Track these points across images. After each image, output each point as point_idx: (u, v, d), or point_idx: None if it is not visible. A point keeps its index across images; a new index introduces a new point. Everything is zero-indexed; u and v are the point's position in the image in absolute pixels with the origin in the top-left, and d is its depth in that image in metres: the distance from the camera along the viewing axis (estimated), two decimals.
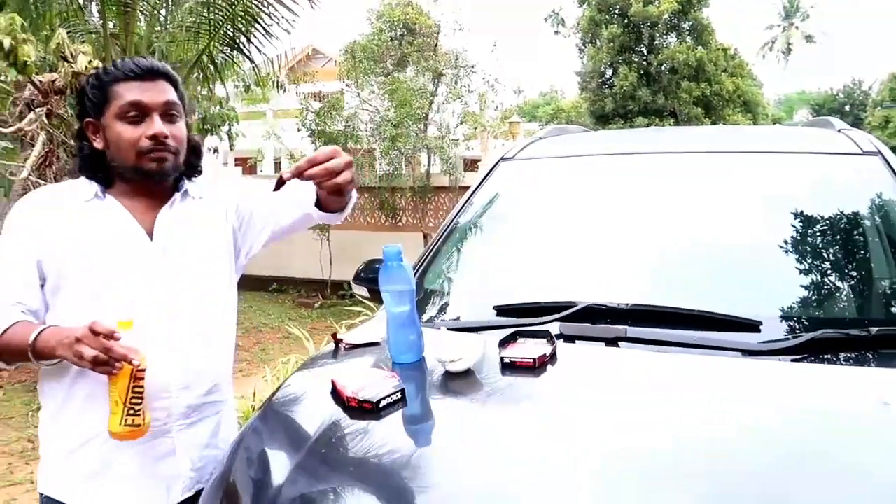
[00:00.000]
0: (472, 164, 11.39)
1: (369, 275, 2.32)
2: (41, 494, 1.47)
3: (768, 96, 26.26)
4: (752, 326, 1.52)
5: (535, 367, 1.43)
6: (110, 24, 6.57)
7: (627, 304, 1.63)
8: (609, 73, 18.77)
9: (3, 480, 3.62)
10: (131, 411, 1.26)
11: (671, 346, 1.50)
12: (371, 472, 1.22)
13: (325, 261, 8.47)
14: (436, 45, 8.36)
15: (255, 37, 7.24)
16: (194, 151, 1.52)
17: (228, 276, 1.57)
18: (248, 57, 7.25)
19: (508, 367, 1.44)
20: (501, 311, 1.76)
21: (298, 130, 8.64)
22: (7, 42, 3.53)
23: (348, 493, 1.18)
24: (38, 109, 3.99)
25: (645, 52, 18.37)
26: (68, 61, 3.89)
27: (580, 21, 19.27)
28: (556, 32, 21.64)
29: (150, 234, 1.44)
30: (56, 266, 1.38)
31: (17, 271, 1.37)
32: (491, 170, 2.42)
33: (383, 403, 1.32)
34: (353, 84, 8.24)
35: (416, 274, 1.97)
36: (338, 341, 1.70)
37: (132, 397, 1.26)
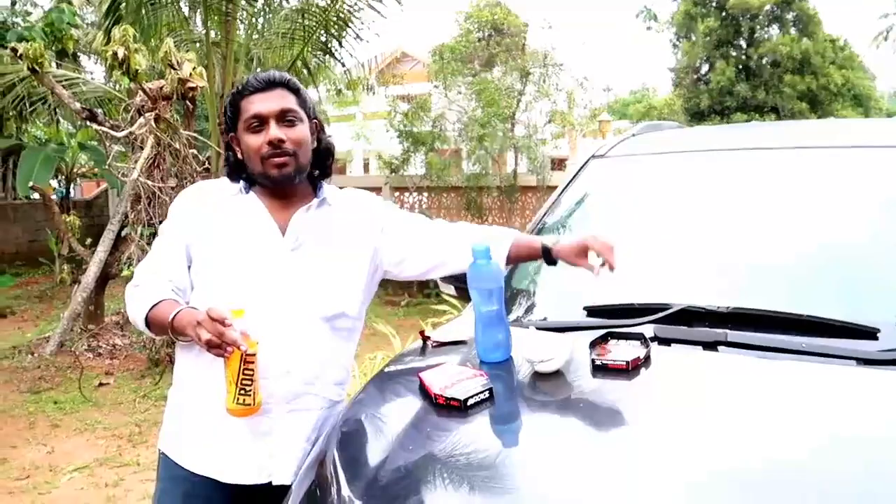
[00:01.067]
0: (559, 164, 11.23)
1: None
2: (160, 453, 1.62)
3: (882, 89, 24.44)
4: (869, 333, 1.40)
5: (629, 370, 1.37)
6: (212, 33, 6.92)
7: (728, 307, 1.54)
8: (705, 68, 18.03)
9: (112, 462, 3.87)
10: (242, 391, 1.37)
11: (776, 352, 1.41)
12: (457, 471, 1.21)
13: None
14: (524, 45, 8.28)
15: (346, 41, 7.45)
16: (326, 152, 1.63)
17: (358, 283, 1.59)
18: (339, 61, 7.46)
19: (600, 370, 1.40)
20: (592, 311, 1.71)
21: (387, 132, 8.79)
22: (121, 52, 3.77)
23: (435, 490, 1.18)
24: (147, 114, 4.24)
25: (744, 45, 17.52)
26: (175, 68, 4.11)
27: (674, 15, 18.61)
28: (649, 28, 20.98)
29: (284, 231, 1.54)
30: (200, 251, 1.53)
31: (170, 253, 1.54)
32: (581, 168, 2.36)
33: (471, 402, 1.31)
34: (442, 85, 8.29)
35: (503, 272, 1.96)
36: (425, 338, 1.70)
37: (243, 379, 1.36)
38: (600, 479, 1.09)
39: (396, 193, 9.18)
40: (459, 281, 2.27)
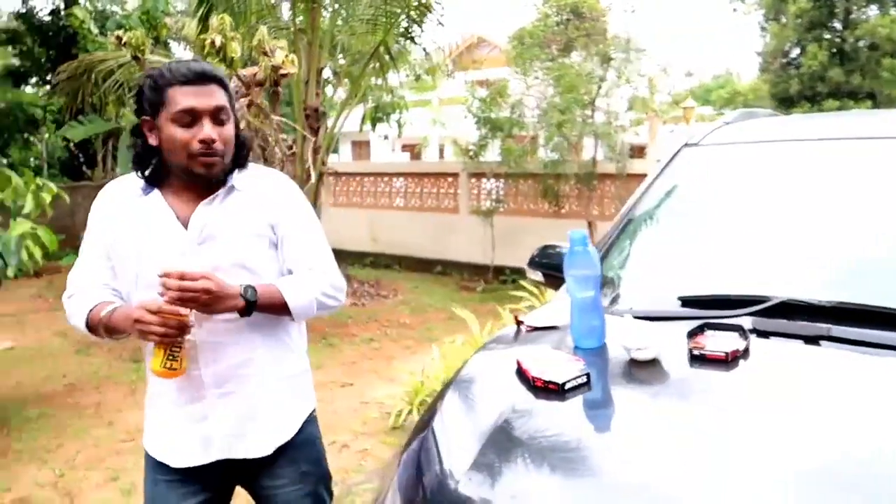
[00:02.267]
0: (638, 151, 10.99)
1: (543, 259, 2.35)
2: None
3: None
4: None
5: (728, 362, 1.38)
6: (298, 21, 7.12)
7: (831, 301, 1.51)
8: (795, 52, 17.13)
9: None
10: (171, 356, 1.48)
11: (882, 349, 1.38)
12: (555, 453, 1.25)
13: (488, 246, 8.61)
14: (605, 29, 8.12)
15: (427, 26, 7.52)
16: (241, 146, 1.61)
17: (265, 262, 1.61)
18: (421, 46, 7.53)
19: (698, 360, 1.41)
20: (687, 301, 1.70)
21: (465, 118, 8.81)
22: (219, 40, 3.95)
23: (532, 471, 1.22)
24: (241, 100, 4.42)
25: (839, 27, 16.55)
26: (268, 56, 4.27)
27: None
28: (735, 10, 20.10)
29: (187, 224, 1.56)
30: (116, 254, 1.60)
31: (94, 259, 1.63)
32: (673, 156, 2.33)
33: (569, 386, 1.34)
34: (521, 71, 8.23)
35: None
36: (519, 323, 1.74)
37: (174, 346, 1.48)
38: (695, 470, 1.11)
39: (473, 180, 9.22)
40: (548, 268, 2.31)
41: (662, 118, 9.78)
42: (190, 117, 1.49)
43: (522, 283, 6.04)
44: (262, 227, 1.60)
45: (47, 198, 4.06)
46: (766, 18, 17.81)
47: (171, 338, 1.45)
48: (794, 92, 16.26)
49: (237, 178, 1.60)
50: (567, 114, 7.45)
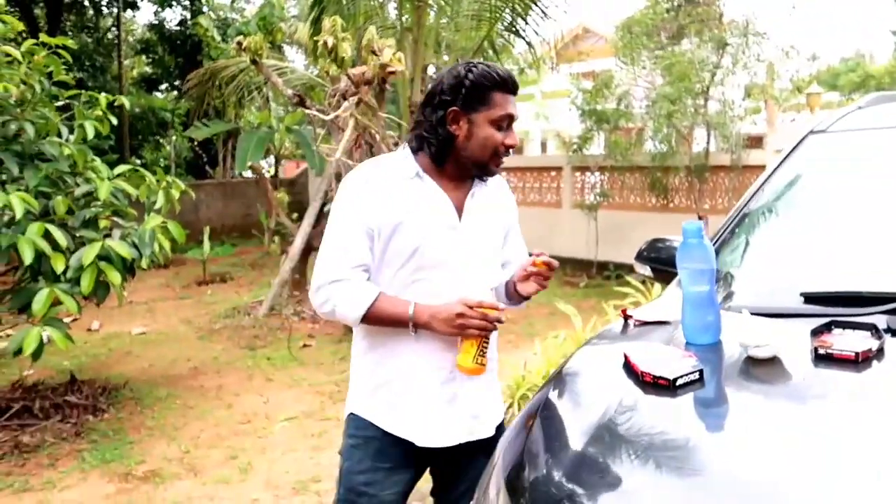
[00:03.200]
0: (755, 142, 10.40)
1: (652, 254, 2.28)
2: (350, 414, 1.77)
3: None
4: None
5: (858, 362, 1.28)
6: (404, 19, 7.25)
7: None
8: None
9: (317, 415, 4.29)
10: (482, 352, 1.59)
11: None
12: (663, 451, 1.21)
13: (592, 241, 8.44)
14: (721, 14, 7.73)
15: (532, 19, 7.44)
16: None
17: (498, 254, 1.80)
18: (525, 39, 7.47)
19: (823, 359, 1.31)
20: (810, 298, 1.60)
21: (570, 110, 8.67)
22: (331, 41, 4.10)
23: (638, 467, 1.18)
24: (351, 98, 4.57)
25: None
26: (376, 55, 4.39)
27: None
28: None
29: (458, 213, 1.67)
30: (384, 232, 1.62)
31: (356, 236, 1.62)
32: (797, 144, 2.19)
33: (680, 382, 1.29)
34: (629, 61, 7.99)
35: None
36: (627, 317, 1.70)
37: (484, 342, 1.59)
38: (817, 476, 1.04)
39: (577, 174, 9.07)
40: (657, 262, 2.24)
41: (782, 106, 9.18)
42: (507, 122, 1.63)
43: (628, 278, 5.89)
44: (502, 220, 1.79)
45: (176, 194, 4.37)
46: None
47: (488, 332, 1.58)
48: None
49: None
50: (678, 104, 7.16)
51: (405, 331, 1.62)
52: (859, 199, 1.88)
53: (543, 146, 20.93)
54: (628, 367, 1.40)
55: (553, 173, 9.42)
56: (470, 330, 1.56)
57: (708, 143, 7.56)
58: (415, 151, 1.67)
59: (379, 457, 1.71)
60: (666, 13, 8.15)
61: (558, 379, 1.51)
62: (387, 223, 1.61)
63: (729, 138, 7.40)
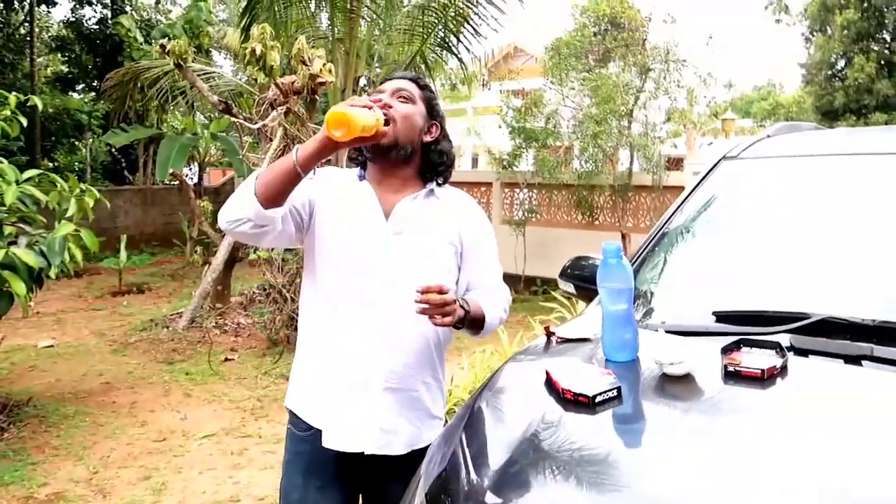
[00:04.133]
0: (675, 164, 10.85)
1: (576, 271, 2.33)
2: (287, 408, 1.82)
3: None
4: None
5: (764, 379, 1.34)
6: (337, 30, 7.21)
7: (874, 320, 1.47)
8: (841, 63, 16.77)
9: (237, 432, 4.16)
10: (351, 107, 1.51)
11: None
12: (583, 466, 1.23)
13: (520, 256, 8.57)
14: (644, 39, 8.05)
15: (464, 37, 7.54)
16: (440, 153, 1.75)
17: (450, 270, 1.73)
18: (457, 56, 7.55)
19: (732, 376, 1.37)
20: (721, 317, 1.66)
21: (499, 127, 8.81)
22: (259, 49, 4.02)
23: (560, 484, 1.20)
24: (279, 108, 4.49)
25: (888, 39, 16.14)
26: (306, 64, 4.33)
27: (808, 7, 17.41)
28: (778, 21, 19.72)
29: (388, 216, 1.68)
30: (319, 217, 1.70)
31: (299, 191, 1.61)
32: (711, 169, 2.29)
33: (599, 399, 1.32)
34: (557, 81, 8.20)
35: None
36: (550, 334, 1.72)
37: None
38: (729, 489, 1.08)
39: (506, 190, 9.20)
40: (580, 279, 2.29)
41: (701, 130, 9.64)
42: (378, 95, 1.69)
43: (554, 293, 6.01)
44: (452, 235, 1.73)
45: (90, 202, 4.17)
46: (812, 30, 17.48)
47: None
48: (840, 105, 15.90)
49: (437, 188, 1.76)
50: (603, 125, 7.39)
51: (335, 328, 1.66)
52: (768, 223, 1.98)
53: (475, 161, 21.16)
54: (550, 384, 1.42)
55: (483, 188, 9.53)
56: (355, 107, 1.50)
57: (631, 163, 7.84)
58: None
59: (309, 473, 1.71)
60: (593, 36, 8.41)
61: (483, 394, 1.51)
62: (318, 202, 1.69)
63: (651, 159, 7.69)
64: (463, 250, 1.74)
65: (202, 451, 3.89)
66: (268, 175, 1.54)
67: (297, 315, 1.84)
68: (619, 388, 1.34)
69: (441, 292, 1.52)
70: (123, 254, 8.37)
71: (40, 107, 4.47)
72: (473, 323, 1.66)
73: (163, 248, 11.56)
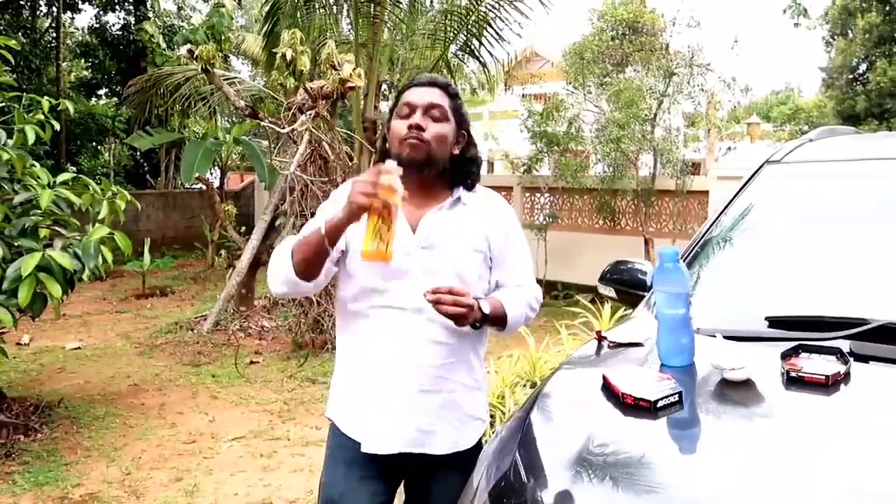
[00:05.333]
0: (693, 168, 10.80)
1: (615, 275, 2.32)
2: (328, 418, 1.81)
3: None
4: None
5: (828, 385, 1.32)
6: (360, 34, 7.25)
7: None
8: (863, 67, 16.61)
9: (265, 434, 4.17)
10: (379, 237, 1.47)
11: None
12: (647, 473, 1.22)
13: (541, 261, 8.55)
14: (667, 44, 8.01)
15: (486, 41, 7.55)
16: (470, 161, 1.74)
17: (477, 274, 1.70)
18: (480, 60, 7.56)
19: (794, 382, 1.36)
20: (774, 322, 1.65)
21: (521, 132, 8.80)
22: (289, 54, 4.04)
23: (625, 491, 1.19)
24: (308, 112, 4.51)
25: None
26: (336, 69, 4.35)
27: (829, 10, 17.27)
28: (797, 25, 19.57)
29: (415, 229, 1.66)
30: (349, 234, 1.62)
31: (314, 225, 1.62)
32: (754, 173, 2.28)
33: (661, 404, 1.31)
34: (580, 85, 8.18)
35: None
36: (601, 339, 1.72)
37: (382, 224, 1.46)
38: (797, 497, 1.07)
39: (527, 194, 9.19)
40: (620, 283, 2.27)
41: (722, 135, 9.57)
42: (408, 110, 1.65)
43: (578, 297, 5.98)
44: (479, 242, 1.69)
45: (122, 205, 4.20)
46: (832, 34, 17.32)
47: (383, 210, 1.45)
48: (861, 109, 15.73)
49: (464, 193, 1.72)
50: (626, 129, 7.36)
51: (365, 335, 1.67)
52: (816, 227, 1.97)
53: (491, 166, 21.15)
54: (608, 389, 1.41)
55: (504, 193, 9.50)
56: (360, 197, 1.44)
57: (655, 168, 7.79)
58: None
59: (350, 465, 1.71)
60: (611, 41, 8.39)
61: (538, 402, 1.51)
62: (351, 233, 1.62)
63: (674, 164, 7.64)
64: (492, 254, 1.72)
65: (232, 453, 3.91)
66: (301, 253, 1.58)
67: (322, 318, 1.84)
68: (680, 393, 1.33)
69: (450, 293, 1.54)
70: (147, 257, 8.44)
71: (71, 110, 4.52)
72: (495, 321, 1.67)
73: (184, 251, 11.66)
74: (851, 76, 16.69)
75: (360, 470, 1.71)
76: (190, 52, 5.52)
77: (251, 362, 5.68)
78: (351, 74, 4.38)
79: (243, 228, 7.41)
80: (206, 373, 5.40)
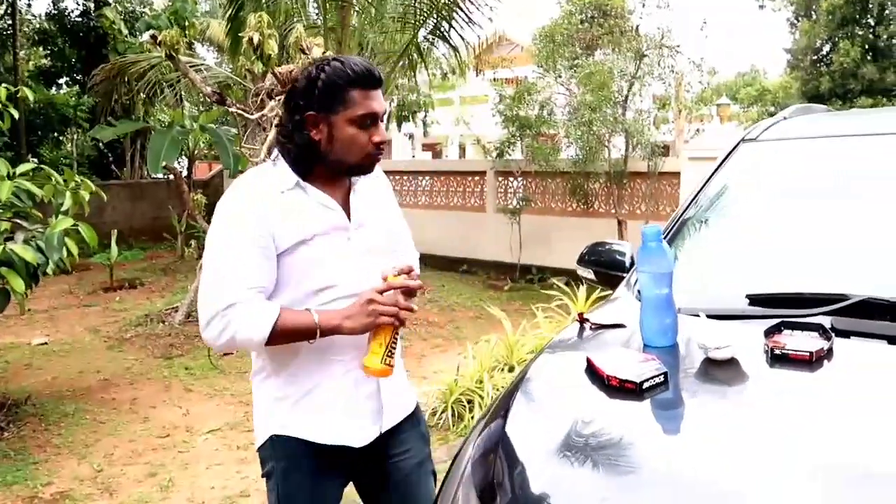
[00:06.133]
0: (664, 150, 10.86)
1: (594, 257, 2.31)
2: (270, 438, 1.62)
3: None
4: None
5: (812, 362, 1.32)
6: (328, 18, 7.11)
7: None
8: (826, 49, 16.88)
9: (241, 426, 4.11)
10: (390, 353, 1.51)
11: None
12: (635, 455, 1.21)
13: (515, 245, 8.55)
14: (637, 26, 8.01)
15: (457, 24, 7.47)
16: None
17: (407, 240, 1.80)
18: (450, 45, 7.48)
19: (779, 360, 1.35)
20: (756, 300, 1.65)
21: (493, 116, 8.75)
22: (256, 37, 3.94)
23: (614, 473, 1.17)
24: (276, 98, 4.42)
25: (872, 23, 16.26)
26: (305, 53, 4.26)
27: None
28: (762, 7, 19.79)
29: (346, 214, 1.59)
30: (278, 247, 1.51)
31: (248, 255, 1.48)
32: (730, 152, 2.28)
33: (647, 385, 1.30)
34: (551, 69, 8.15)
35: None
36: (583, 321, 1.70)
37: (392, 342, 1.51)
38: (784, 474, 1.06)
39: (500, 178, 9.17)
40: (599, 265, 2.26)
41: (691, 116, 9.63)
42: (370, 120, 1.52)
43: (554, 281, 5.99)
44: (388, 212, 1.72)
45: (85, 195, 4.08)
46: (797, 15, 17.55)
47: (399, 324, 1.50)
48: (826, 90, 16.00)
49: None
50: (598, 111, 7.36)
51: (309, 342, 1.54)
52: (794, 205, 1.97)
53: (463, 151, 21.10)
54: (592, 372, 1.40)
55: (476, 178, 9.49)
56: (383, 318, 1.48)
57: (626, 150, 7.82)
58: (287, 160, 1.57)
59: (316, 474, 1.63)
60: (580, 24, 8.37)
61: (522, 386, 1.48)
62: (280, 238, 1.50)
63: (645, 146, 7.67)
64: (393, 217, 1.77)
65: (207, 446, 3.84)
66: (284, 337, 1.49)
67: None
68: (665, 374, 1.32)
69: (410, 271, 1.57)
70: (114, 249, 8.24)
71: (31, 98, 4.36)
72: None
73: (153, 242, 11.41)
74: (815, 57, 16.96)
75: (328, 474, 1.65)
76: (153, 37, 5.37)
77: (225, 353, 5.59)
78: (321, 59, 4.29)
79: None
80: (178, 365, 5.30)
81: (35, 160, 11.74)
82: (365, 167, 1.58)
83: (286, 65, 4.93)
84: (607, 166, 7.75)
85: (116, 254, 8.35)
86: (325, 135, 1.51)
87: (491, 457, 1.30)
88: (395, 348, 1.52)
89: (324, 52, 4.38)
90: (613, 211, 7.82)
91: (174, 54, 5.27)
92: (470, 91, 17.23)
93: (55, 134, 12.53)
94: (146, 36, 6.09)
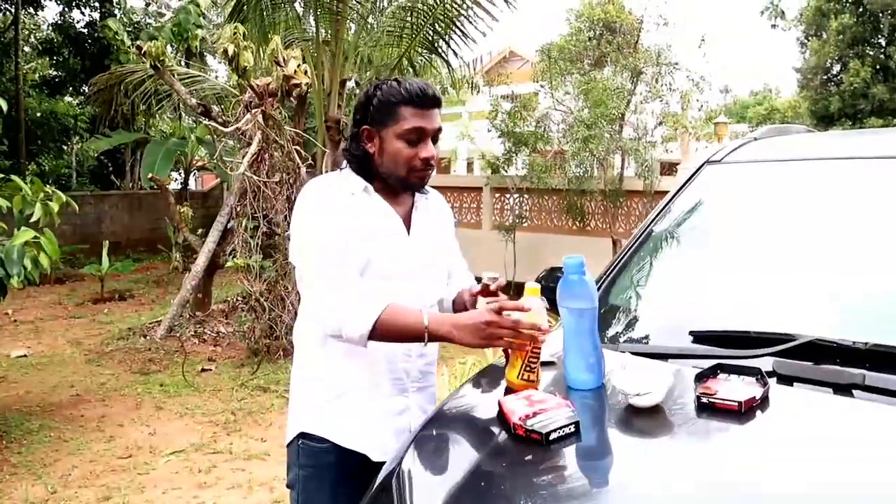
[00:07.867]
0: (669, 169, 10.72)
1: (549, 283, 2.17)
2: (299, 436, 1.66)
3: None
4: None
5: (741, 413, 1.18)
6: (322, 32, 7.06)
7: (866, 343, 1.31)
8: (836, 68, 16.66)
9: (207, 448, 3.99)
10: (529, 367, 1.41)
11: None
12: None
13: (509, 262, 8.42)
14: (636, 42, 7.91)
15: (453, 39, 7.39)
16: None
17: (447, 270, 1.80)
18: (444, 59, 7.40)
19: (706, 409, 1.21)
20: (699, 337, 1.51)
21: (489, 131, 8.66)
22: (231, 49, 3.86)
23: None
24: (254, 111, 4.33)
25: (883, 43, 16.04)
26: (280, 66, 4.18)
27: (804, 12, 17.32)
28: (774, 26, 19.61)
29: (406, 226, 1.66)
30: (357, 251, 1.57)
31: (346, 251, 1.54)
32: (694, 174, 2.14)
33: (553, 437, 1.16)
34: (548, 85, 8.06)
35: (601, 285, 1.79)
36: (509, 356, 1.56)
37: (531, 357, 1.41)
38: None
39: (496, 194, 9.06)
40: (553, 293, 2.12)
41: (695, 135, 9.50)
42: (416, 136, 1.57)
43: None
44: (446, 236, 1.78)
45: (55, 206, 4.00)
46: (807, 34, 17.39)
47: (526, 343, 1.41)
48: (835, 109, 15.79)
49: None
50: (594, 129, 7.25)
51: (374, 345, 1.56)
52: (751, 234, 1.83)
53: (469, 166, 21.04)
54: (502, 417, 1.27)
55: (473, 193, 9.38)
56: (500, 340, 1.42)
57: (622, 168, 7.69)
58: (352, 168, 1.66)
59: (337, 484, 1.64)
60: (588, 41, 8.28)
61: (430, 423, 1.36)
62: (348, 237, 1.57)
63: (643, 164, 7.54)
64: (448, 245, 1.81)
65: (168, 468, 3.72)
66: (389, 328, 1.49)
67: (275, 324, 1.69)
68: (577, 423, 1.19)
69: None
70: (105, 260, 8.20)
71: (4, 109, 4.29)
72: None
73: (149, 254, 11.38)
74: (825, 77, 16.76)
75: (347, 485, 1.61)
76: (138, 48, 5.30)
77: (203, 370, 5.48)
78: (296, 71, 4.20)
79: (200, 231, 7.17)
80: (154, 381, 5.19)
81: (37, 170, 11.80)
82: (414, 182, 1.62)
83: (265, 77, 4.87)
84: (603, 184, 7.62)
85: (108, 265, 8.30)
86: (377, 148, 1.61)
87: (384, 496, 1.17)
88: (534, 363, 1.43)
89: (299, 65, 4.29)
90: (609, 230, 7.68)
91: (159, 65, 5.21)
92: (478, 106, 17.20)
93: (56, 144, 12.57)
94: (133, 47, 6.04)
